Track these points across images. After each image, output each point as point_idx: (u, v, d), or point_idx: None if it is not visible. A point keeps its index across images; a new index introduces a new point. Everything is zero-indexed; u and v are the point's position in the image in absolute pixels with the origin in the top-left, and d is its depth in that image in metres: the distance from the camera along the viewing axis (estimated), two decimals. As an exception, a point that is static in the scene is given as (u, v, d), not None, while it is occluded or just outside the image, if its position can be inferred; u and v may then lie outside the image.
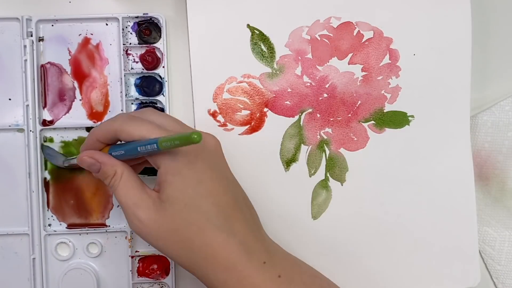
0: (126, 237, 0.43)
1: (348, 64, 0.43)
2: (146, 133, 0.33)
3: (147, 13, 0.42)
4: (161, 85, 0.43)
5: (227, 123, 0.42)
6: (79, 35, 0.43)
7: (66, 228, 0.43)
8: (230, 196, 0.35)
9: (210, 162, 0.35)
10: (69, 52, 0.43)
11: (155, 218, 0.33)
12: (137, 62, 0.43)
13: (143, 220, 0.33)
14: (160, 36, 0.43)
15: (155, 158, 0.34)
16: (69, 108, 0.43)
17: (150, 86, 0.43)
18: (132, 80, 0.43)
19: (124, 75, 0.42)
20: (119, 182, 0.34)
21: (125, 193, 0.34)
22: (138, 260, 0.43)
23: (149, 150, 0.32)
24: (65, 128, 0.43)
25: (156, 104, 0.43)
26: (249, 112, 0.42)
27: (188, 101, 0.43)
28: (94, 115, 0.43)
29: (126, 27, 0.43)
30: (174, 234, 0.33)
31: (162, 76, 0.43)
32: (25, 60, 0.42)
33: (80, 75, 0.43)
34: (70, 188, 0.43)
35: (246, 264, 0.33)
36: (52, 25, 0.43)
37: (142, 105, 0.43)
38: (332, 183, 0.43)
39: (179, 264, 0.35)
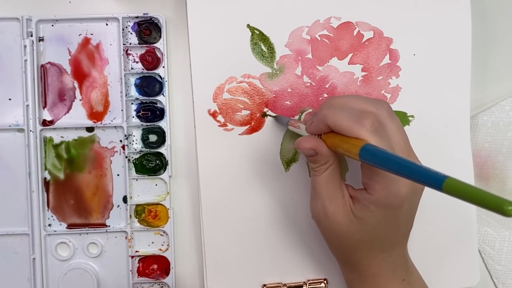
0: (126, 237, 0.43)
1: (348, 64, 0.43)
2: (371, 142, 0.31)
3: (147, 13, 0.42)
4: (161, 85, 0.43)
5: (227, 123, 0.42)
6: (79, 35, 0.43)
7: (66, 228, 0.43)
8: (405, 228, 0.36)
9: (413, 205, 0.35)
10: (69, 52, 0.43)
11: (339, 219, 0.34)
12: (137, 62, 0.43)
13: (328, 214, 0.35)
14: (160, 36, 0.43)
15: (374, 175, 0.33)
16: (69, 108, 0.43)
17: (150, 86, 0.43)
18: (132, 80, 0.43)
19: (124, 75, 0.42)
20: (323, 172, 0.35)
21: (325, 184, 0.35)
22: (138, 260, 0.43)
23: (418, 181, 0.26)
24: (65, 128, 0.43)
25: (156, 104, 0.43)
26: (249, 112, 0.42)
27: (188, 101, 0.43)
28: (94, 115, 0.43)
29: (126, 27, 0.43)
30: (344, 239, 0.35)
31: (162, 76, 0.43)
32: (25, 60, 0.42)
33: (80, 75, 0.43)
34: (70, 188, 0.43)
35: (389, 277, 0.36)
36: (52, 25, 0.43)
37: (142, 105, 0.43)
38: (332, 183, 0.43)
39: (330, 250, 0.38)
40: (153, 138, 0.43)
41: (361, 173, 0.34)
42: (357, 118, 0.32)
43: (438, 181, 0.25)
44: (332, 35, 0.42)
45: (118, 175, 0.43)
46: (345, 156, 0.43)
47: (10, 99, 0.43)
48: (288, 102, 0.42)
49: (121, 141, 0.43)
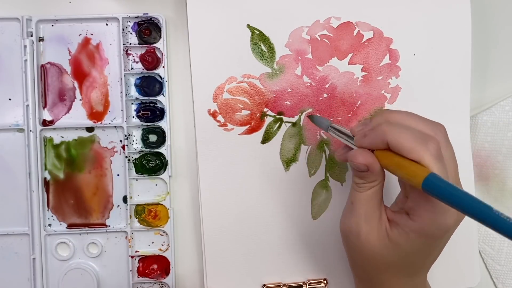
0: (126, 237, 0.43)
1: (348, 64, 0.43)
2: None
3: (147, 13, 0.42)
4: (161, 85, 0.43)
5: (227, 123, 0.42)
6: (79, 35, 0.43)
7: (66, 228, 0.43)
8: (435, 256, 0.35)
9: (451, 236, 0.34)
10: (69, 52, 0.43)
11: (372, 240, 0.33)
12: (137, 62, 0.43)
13: (361, 233, 0.33)
14: (160, 36, 0.43)
15: (422, 201, 0.31)
16: (69, 108, 0.43)
17: (150, 86, 0.43)
18: (132, 80, 0.43)
19: (124, 75, 0.42)
20: (367, 189, 0.33)
21: (365, 202, 0.33)
22: (138, 260, 0.43)
23: (490, 225, 0.26)
24: (65, 128, 0.43)
25: (156, 104, 0.43)
26: (249, 112, 0.42)
27: (188, 101, 0.43)
28: (94, 115, 0.43)
29: (126, 27, 0.43)
30: (373, 260, 0.34)
31: (162, 76, 0.43)
32: (25, 60, 0.42)
33: (80, 75, 0.43)
34: (70, 188, 0.43)
35: None
36: (52, 25, 0.43)
37: (142, 105, 0.43)
38: (332, 183, 0.43)
39: (351, 267, 0.37)
40: (153, 138, 0.43)
41: (406, 195, 0.34)
42: (422, 140, 0.30)
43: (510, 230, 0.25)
44: (332, 35, 0.42)
45: (118, 175, 0.43)
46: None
47: (10, 99, 0.43)
48: (288, 102, 0.42)
49: (121, 141, 0.43)
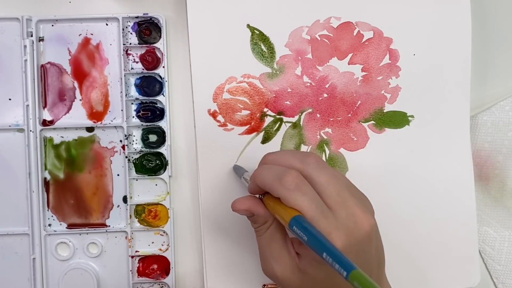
0: (126, 237, 0.43)
1: (348, 64, 0.43)
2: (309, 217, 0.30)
3: (147, 13, 0.42)
4: (161, 85, 0.43)
5: (227, 123, 0.42)
6: (79, 35, 0.43)
7: (66, 228, 0.43)
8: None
9: (360, 256, 0.32)
10: (69, 52, 0.43)
11: (289, 276, 0.34)
12: (137, 62, 0.43)
13: (277, 274, 0.34)
14: (160, 36, 0.43)
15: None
16: (69, 108, 0.43)
17: (150, 86, 0.43)
18: (132, 80, 0.43)
19: (124, 75, 0.42)
20: (264, 231, 0.34)
21: (268, 244, 0.34)
22: (138, 260, 0.43)
23: (330, 263, 0.27)
24: (65, 128, 0.43)
25: (156, 104, 0.43)
26: (249, 112, 0.42)
27: (188, 101, 0.43)
28: (94, 115, 0.43)
29: (126, 27, 0.43)
30: None
31: (162, 76, 0.43)
32: (25, 60, 0.42)
33: (80, 75, 0.43)
34: (70, 188, 0.43)
35: None
36: (52, 25, 0.43)
37: (142, 105, 0.43)
38: (332, 183, 0.43)
39: None
40: (153, 138, 0.43)
41: None
42: (279, 177, 0.31)
43: (346, 268, 0.26)
44: (332, 35, 0.42)
45: (118, 175, 0.43)
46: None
47: (10, 99, 0.43)
48: (288, 102, 0.42)
49: (121, 141, 0.43)
